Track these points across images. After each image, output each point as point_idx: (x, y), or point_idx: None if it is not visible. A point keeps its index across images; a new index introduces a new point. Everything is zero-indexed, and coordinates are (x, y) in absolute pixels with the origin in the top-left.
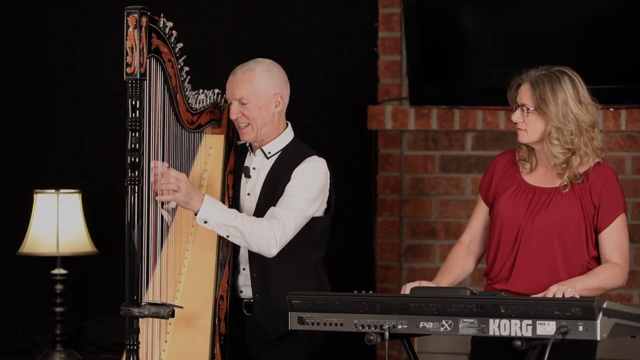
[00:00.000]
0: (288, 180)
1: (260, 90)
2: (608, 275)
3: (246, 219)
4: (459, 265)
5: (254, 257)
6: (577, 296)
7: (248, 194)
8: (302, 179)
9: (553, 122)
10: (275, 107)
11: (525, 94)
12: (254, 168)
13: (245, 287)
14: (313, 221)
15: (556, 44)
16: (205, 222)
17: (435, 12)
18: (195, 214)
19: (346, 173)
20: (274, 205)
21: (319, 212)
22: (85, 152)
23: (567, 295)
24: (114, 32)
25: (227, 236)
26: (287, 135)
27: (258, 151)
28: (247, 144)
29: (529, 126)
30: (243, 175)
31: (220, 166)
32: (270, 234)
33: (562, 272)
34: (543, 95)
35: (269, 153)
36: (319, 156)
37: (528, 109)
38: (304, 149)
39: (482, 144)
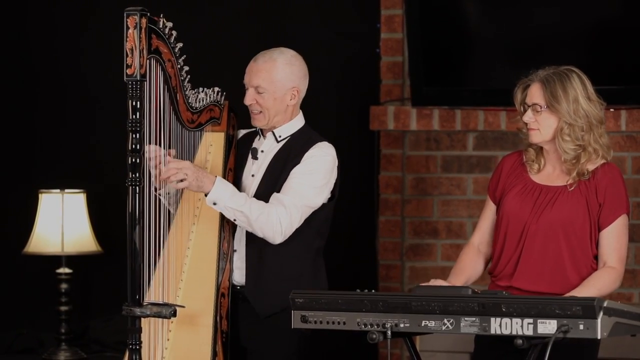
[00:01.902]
0: (296, 164)
1: (277, 82)
2: (605, 283)
3: (255, 204)
4: (470, 265)
5: (252, 236)
6: None
7: (252, 175)
8: (309, 165)
9: (565, 118)
10: (291, 99)
11: (536, 93)
12: (262, 151)
13: (237, 271)
14: (318, 208)
15: (557, 44)
16: (215, 203)
17: (437, 13)
18: (206, 195)
19: (349, 173)
20: (277, 188)
21: (324, 199)
22: (89, 152)
23: None
24: (121, 33)
25: (234, 220)
26: (299, 122)
27: (269, 134)
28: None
29: (541, 125)
30: (250, 156)
31: (221, 164)
32: (276, 222)
33: (569, 269)
34: (555, 93)
35: (280, 137)
36: (329, 143)
37: (540, 107)
38: (315, 135)
39: (483, 144)
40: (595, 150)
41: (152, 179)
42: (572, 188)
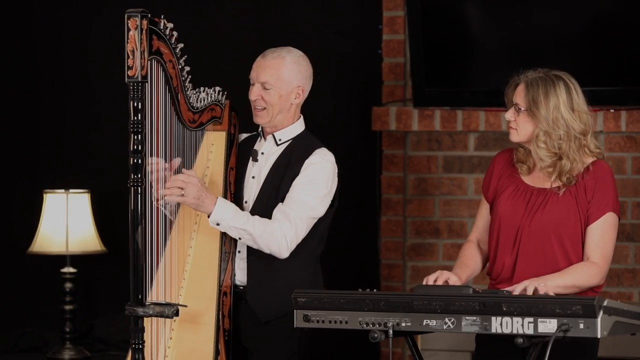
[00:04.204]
0: (297, 173)
1: (284, 80)
2: (582, 275)
3: (257, 221)
4: (473, 260)
5: None
6: (551, 293)
7: (253, 177)
8: (310, 175)
9: (542, 125)
10: (295, 98)
11: (519, 94)
12: (262, 153)
13: (240, 271)
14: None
15: (558, 46)
16: (218, 224)
17: (439, 15)
18: (208, 216)
19: (351, 173)
20: (279, 194)
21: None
22: (94, 153)
23: (541, 292)
24: (123, 35)
25: (239, 238)
26: (299, 126)
27: (269, 137)
28: (260, 129)
29: (519, 126)
30: (250, 158)
31: (222, 163)
32: (280, 237)
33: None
34: (535, 97)
35: (280, 140)
36: (328, 150)
37: (520, 109)
38: (315, 140)
39: (484, 145)
40: (575, 160)
41: (153, 191)
42: (561, 191)
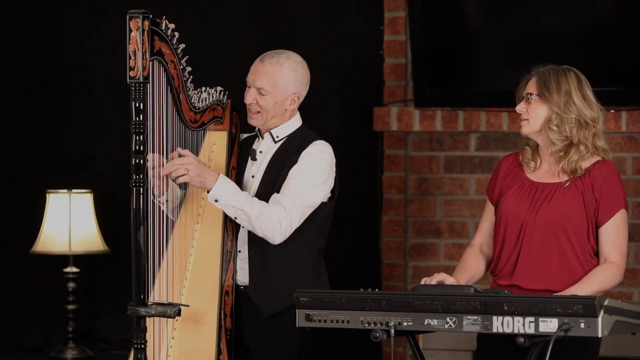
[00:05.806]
0: (294, 163)
1: (280, 87)
2: (605, 278)
3: (256, 203)
4: (473, 264)
5: (254, 236)
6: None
7: (252, 176)
8: (306, 163)
9: (554, 108)
10: (290, 104)
11: (531, 85)
12: (260, 151)
13: (240, 271)
14: (318, 207)
15: (558, 46)
16: (216, 200)
17: (440, 15)
18: (208, 192)
19: (352, 173)
20: (276, 188)
21: (324, 198)
22: (96, 153)
23: None
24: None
25: (235, 218)
26: (296, 122)
27: (266, 135)
28: (257, 128)
29: (531, 114)
30: (249, 158)
31: (224, 163)
32: (276, 222)
33: (568, 264)
34: (547, 83)
35: (277, 137)
36: (326, 142)
37: (531, 95)
38: (312, 134)
39: (485, 145)
40: (586, 148)
41: (153, 188)
42: (567, 184)
